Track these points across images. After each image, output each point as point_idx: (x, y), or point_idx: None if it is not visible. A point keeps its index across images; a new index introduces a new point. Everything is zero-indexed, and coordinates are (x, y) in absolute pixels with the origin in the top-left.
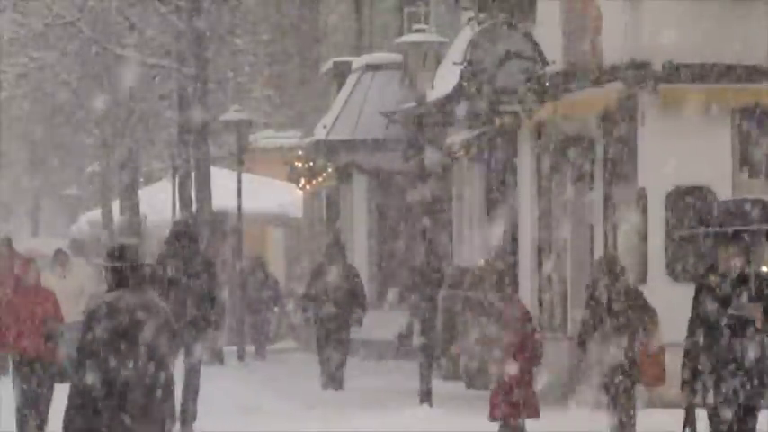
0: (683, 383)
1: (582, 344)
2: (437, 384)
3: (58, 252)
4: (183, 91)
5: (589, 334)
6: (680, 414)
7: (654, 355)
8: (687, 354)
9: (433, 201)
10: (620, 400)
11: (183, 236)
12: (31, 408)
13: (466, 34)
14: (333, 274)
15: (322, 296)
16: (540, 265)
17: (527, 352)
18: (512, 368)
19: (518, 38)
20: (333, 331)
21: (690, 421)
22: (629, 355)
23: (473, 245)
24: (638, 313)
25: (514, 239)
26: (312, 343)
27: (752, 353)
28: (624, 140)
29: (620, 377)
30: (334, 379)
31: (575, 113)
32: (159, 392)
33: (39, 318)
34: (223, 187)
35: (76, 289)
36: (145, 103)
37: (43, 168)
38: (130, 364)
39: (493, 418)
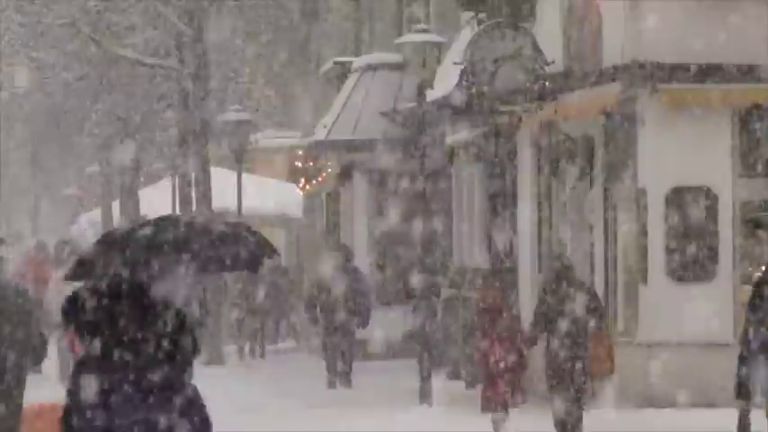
0: (738, 386)
1: (533, 340)
2: (437, 384)
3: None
4: (183, 91)
5: (538, 330)
6: (680, 414)
7: (605, 347)
8: (744, 355)
9: (434, 201)
10: (572, 393)
11: None
12: None
13: (466, 34)
14: (338, 278)
15: (328, 299)
16: (539, 264)
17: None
18: (510, 358)
19: (518, 38)
20: (339, 332)
21: (743, 427)
22: (581, 350)
23: (473, 245)
24: (588, 309)
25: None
26: (313, 343)
27: None
28: (624, 140)
29: (573, 372)
30: (341, 377)
31: (575, 113)
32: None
33: None
34: (223, 187)
35: None
36: (145, 103)
37: (43, 168)
38: None
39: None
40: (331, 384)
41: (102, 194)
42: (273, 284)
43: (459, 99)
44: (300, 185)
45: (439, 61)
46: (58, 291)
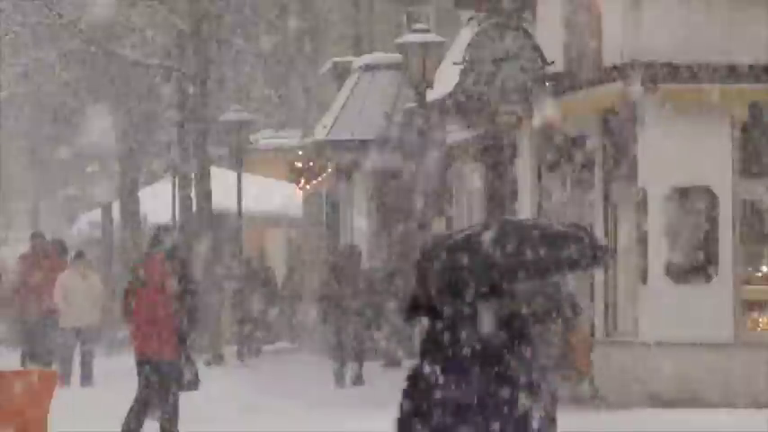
0: None
1: None
2: None
3: (80, 254)
4: (183, 91)
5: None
6: (680, 414)
7: (581, 346)
8: None
9: (433, 200)
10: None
11: (158, 241)
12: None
13: (466, 34)
14: (349, 278)
15: (341, 299)
16: None
17: None
18: None
19: (518, 38)
20: (353, 331)
21: None
22: (557, 348)
23: None
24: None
25: None
26: (314, 343)
27: None
28: (624, 140)
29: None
30: (354, 377)
31: (575, 113)
32: None
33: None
34: (223, 187)
35: (96, 291)
36: (145, 103)
37: (43, 168)
38: None
39: None
40: (339, 383)
41: (102, 194)
42: (264, 284)
43: (459, 99)
44: (300, 185)
45: (439, 61)
46: (64, 292)
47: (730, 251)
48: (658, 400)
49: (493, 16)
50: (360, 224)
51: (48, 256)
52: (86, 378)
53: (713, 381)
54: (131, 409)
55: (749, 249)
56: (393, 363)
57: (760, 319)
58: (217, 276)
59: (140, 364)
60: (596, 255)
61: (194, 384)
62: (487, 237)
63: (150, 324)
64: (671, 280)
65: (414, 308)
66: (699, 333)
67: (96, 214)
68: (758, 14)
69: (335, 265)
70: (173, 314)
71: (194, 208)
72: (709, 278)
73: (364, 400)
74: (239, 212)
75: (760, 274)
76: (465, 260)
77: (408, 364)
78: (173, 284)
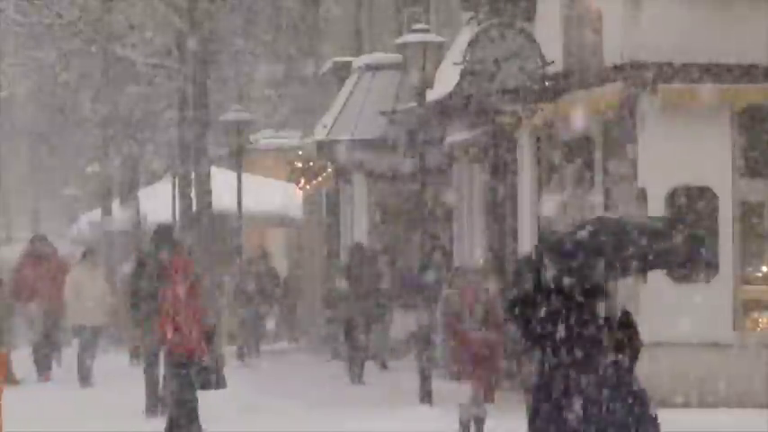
0: None
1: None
2: (437, 384)
3: (89, 253)
4: (183, 91)
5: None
6: (680, 414)
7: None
8: None
9: (433, 201)
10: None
11: (160, 238)
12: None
13: (466, 34)
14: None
15: (348, 298)
16: None
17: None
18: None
19: (518, 38)
20: (357, 328)
21: None
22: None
23: (473, 245)
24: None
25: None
26: (314, 343)
27: None
28: (624, 140)
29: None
30: (358, 375)
31: (575, 113)
32: None
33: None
34: (223, 187)
35: (101, 291)
36: (145, 102)
37: (43, 168)
38: None
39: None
40: (353, 380)
41: (102, 194)
42: (270, 284)
43: (459, 99)
44: (300, 185)
45: (439, 61)
46: (75, 288)
47: (730, 251)
48: (658, 400)
49: (493, 16)
50: (360, 224)
51: (48, 258)
52: (86, 378)
53: (713, 381)
54: (180, 415)
55: (749, 249)
56: (383, 365)
57: (760, 319)
58: (217, 276)
59: (173, 364)
60: (690, 253)
61: (224, 383)
62: (589, 232)
63: (183, 323)
64: (671, 280)
65: (522, 303)
66: (699, 333)
67: (96, 214)
68: (758, 14)
69: (348, 265)
70: (202, 312)
71: (194, 208)
72: (709, 278)
73: (364, 400)
74: (239, 212)
75: (760, 274)
76: (579, 258)
77: (398, 365)
78: (201, 283)
